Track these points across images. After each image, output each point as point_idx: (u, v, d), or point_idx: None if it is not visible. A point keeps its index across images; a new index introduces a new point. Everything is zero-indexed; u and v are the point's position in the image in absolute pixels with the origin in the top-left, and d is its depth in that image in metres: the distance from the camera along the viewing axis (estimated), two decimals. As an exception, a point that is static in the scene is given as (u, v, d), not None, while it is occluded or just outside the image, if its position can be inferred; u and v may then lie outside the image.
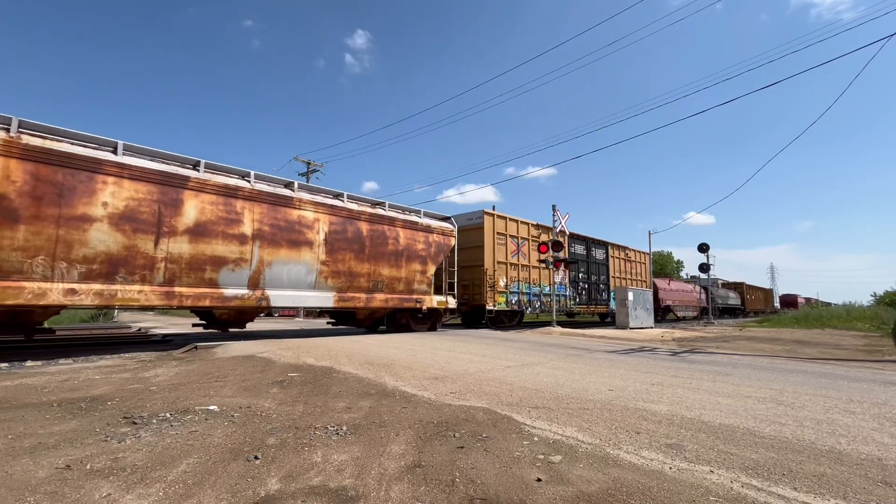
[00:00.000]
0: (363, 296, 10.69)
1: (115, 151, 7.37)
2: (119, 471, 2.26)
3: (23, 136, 6.46)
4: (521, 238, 16.39)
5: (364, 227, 10.79)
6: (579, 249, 19.82)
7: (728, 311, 37.22)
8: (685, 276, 50.02)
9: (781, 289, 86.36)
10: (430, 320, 12.87)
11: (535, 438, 2.83)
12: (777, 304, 59.15)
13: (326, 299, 10.05)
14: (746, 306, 41.30)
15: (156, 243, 7.56)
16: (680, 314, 28.79)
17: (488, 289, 14.54)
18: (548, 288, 17.11)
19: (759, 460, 2.45)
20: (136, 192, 7.42)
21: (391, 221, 11.46)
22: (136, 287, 7.37)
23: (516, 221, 16.30)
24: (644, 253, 25.19)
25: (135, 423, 3.12)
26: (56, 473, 2.22)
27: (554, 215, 16.15)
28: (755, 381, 4.95)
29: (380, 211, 11.35)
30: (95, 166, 7.05)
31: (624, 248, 23.11)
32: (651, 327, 16.92)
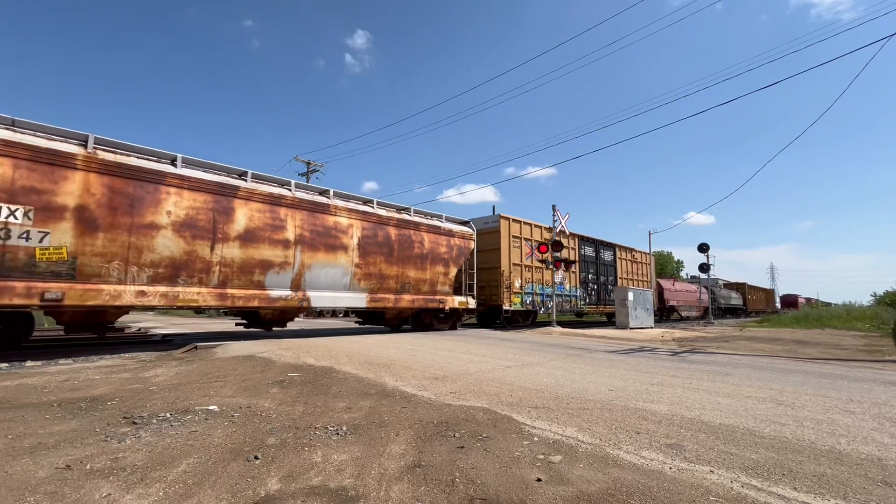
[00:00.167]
0: (392, 296, 11.26)
1: (174, 163, 7.91)
2: (119, 471, 2.26)
3: (98, 152, 7.02)
4: (535, 241, 16.79)
5: (392, 231, 11.37)
6: (588, 251, 20.24)
7: (730, 311, 37.54)
8: (685, 276, 50.03)
9: (781, 289, 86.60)
10: (451, 319, 13.52)
11: (535, 438, 2.83)
12: (778, 305, 59.23)
13: (360, 300, 10.63)
14: (748, 306, 41.47)
15: (211, 248, 8.13)
16: (684, 314, 29.32)
17: (505, 290, 15.07)
18: (560, 289, 17.67)
19: (759, 460, 2.45)
20: (195, 202, 7.98)
21: (416, 226, 12.02)
22: (195, 289, 7.94)
23: (530, 225, 16.81)
24: (649, 254, 25.41)
25: (135, 423, 3.12)
26: (56, 473, 2.22)
27: (554, 215, 16.18)
28: (755, 381, 4.95)
29: (406, 216, 11.91)
30: (160, 178, 7.61)
31: (631, 250, 23.56)
32: (651, 327, 16.93)
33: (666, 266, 60.61)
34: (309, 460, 2.43)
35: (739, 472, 2.28)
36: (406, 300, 11.55)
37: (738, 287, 42.36)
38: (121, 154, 7.29)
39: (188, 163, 8.14)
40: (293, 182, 9.69)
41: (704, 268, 23.17)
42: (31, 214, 6.31)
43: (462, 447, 2.64)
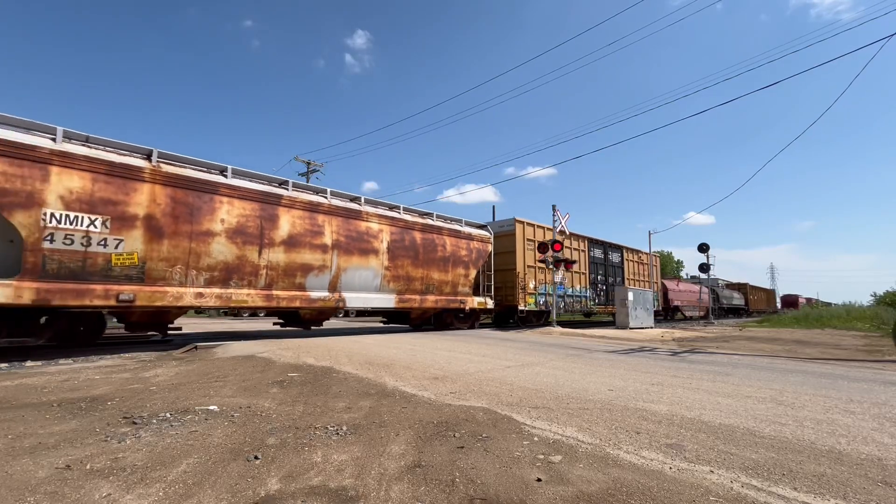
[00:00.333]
0: (417, 297, 11.90)
1: (224, 174, 8.48)
2: (119, 471, 2.26)
3: (162, 165, 7.60)
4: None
5: (418, 236, 11.97)
6: (598, 253, 20.64)
7: (733, 311, 37.91)
8: (685, 276, 50.09)
9: (781, 289, 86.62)
10: (470, 319, 14.27)
11: (535, 438, 2.83)
12: (779, 304, 59.37)
13: (389, 300, 11.28)
14: (750, 306, 41.77)
15: (259, 253, 8.72)
16: (688, 314, 29.82)
17: (520, 290, 15.59)
18: (571, 290, 18.11)
19: (759, 460, 2.45)
20: (244, 210, 8.58)
21: (439, 231, 12.59)
22: (245, 291, 8.56)
23: (543, 228, 17.22)
24: (654, 255, 25.65)
25: (135, 423, 3.12)
26: (56, 473, 2.22)
27: (554, 215, 16.21)
28: (755, 381, 4.95)
29: (429, 221, 12.51)
30: (214, 188, 8.20)
31: (637, 252, 23.95)
32: (651, 327, 16.95)
33: (666, 266, 60.60)
34: (309, 460, 2.43)
35: (739, 472, 2.28)
36: (430, 301, 12.16)
37: (741, 287, 42.65)
38: (178, 166, 7.83)
39: (237, 173, 8.71)
40: (328, 190, 10.33)
41: (704, 268, 23.22)
42: (108, 223, 6.91)
43: (462, 447, 2.64)
